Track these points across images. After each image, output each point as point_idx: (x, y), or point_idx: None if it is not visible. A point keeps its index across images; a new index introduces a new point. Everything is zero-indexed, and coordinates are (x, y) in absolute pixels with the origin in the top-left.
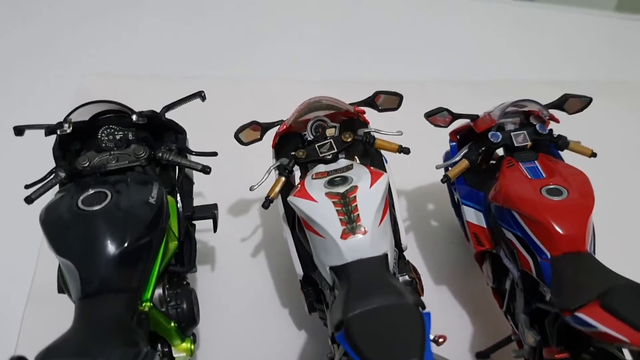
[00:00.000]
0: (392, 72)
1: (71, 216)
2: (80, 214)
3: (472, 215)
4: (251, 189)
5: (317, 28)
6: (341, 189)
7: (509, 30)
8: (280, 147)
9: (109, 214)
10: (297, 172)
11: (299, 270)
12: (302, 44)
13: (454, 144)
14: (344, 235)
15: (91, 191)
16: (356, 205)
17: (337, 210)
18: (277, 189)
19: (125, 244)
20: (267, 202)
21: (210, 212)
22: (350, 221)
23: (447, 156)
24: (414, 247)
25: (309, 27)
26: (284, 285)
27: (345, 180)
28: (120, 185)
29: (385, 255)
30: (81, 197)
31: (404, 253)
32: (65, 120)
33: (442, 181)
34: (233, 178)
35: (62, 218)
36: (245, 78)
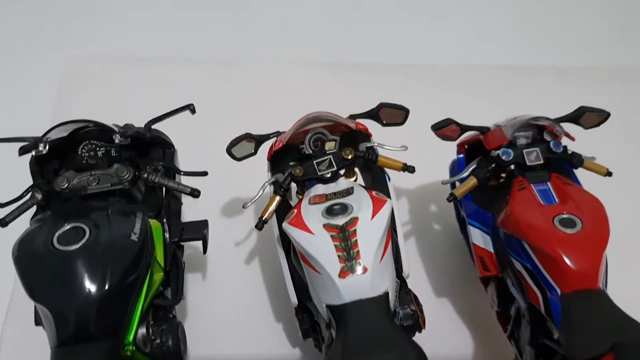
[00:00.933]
0: (393, 56)
1: (46, 256)
2: (56, 254)
3: (479, 238)
4: (244, 206)
5: (316, 8)
6: (340, 221)
7: (513, 12)
8: (276, 159)
9: (87, 254)
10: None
11: (294, 299)
12: (300, 25)
13: (462, 155)
14: (342, 274)
15: (67, 226)
16: (356, 240)
17: (335, 245)
18: (272, 208)
19: (105, 287)
20: (260, 224)
21: (199, 232)
22: (349, 258)
23: (454, 167)
24: (415, 253)
25: (307, 7)
26: (278, 303)
27: (345, 209)
28: (100, 218)
29: (386, 294)
30: (57, 234)
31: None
32: (41, 139)
33: (448, 200)
34: (226, 182)
35: (36, 258)
36: (240, 61)
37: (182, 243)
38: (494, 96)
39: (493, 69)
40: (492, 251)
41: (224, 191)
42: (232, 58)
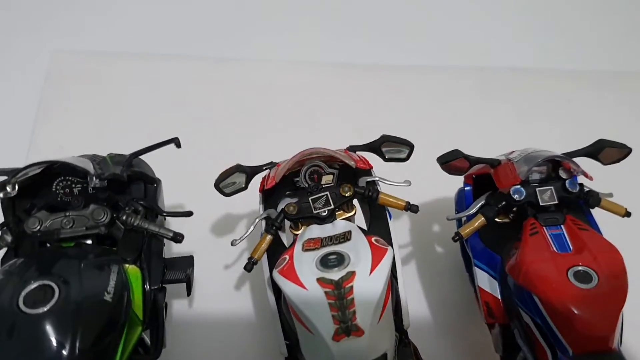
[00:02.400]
0: (394, 57)
1: (11, 321)
2: (22, 318)
3: (485, 282)
4: (232, 243)
5: (316, 6)
6: (336, 275)
7: (518, 13)
8: (269, 191)
9: (56, 316)
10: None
11: (284, 350)
12: (300, 23)
13: (469, 188)
14: (336, 337)
15: (34, 284)
16: (352, 299)
17: (329, 303)
18: (263, 248)
19: (77, 355)
20: (250, 265)
21: (183, 272)
22: (344, 319)
23: (460, 199)
24: (415, 278)
25: (307, 5)
26: (269, 352)
27: (341, 260)
28: (71, 272)
29: (384, 356)
30: (23, 294)
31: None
32: (9, 180)
33: (454, 240)
34: (214, 211)
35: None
36: (235, 58)
37: (163, 284)
38: (503, 100)
39: (502, 71)
40: (499, 297)
41: (210, 224)
42: (227, 55)
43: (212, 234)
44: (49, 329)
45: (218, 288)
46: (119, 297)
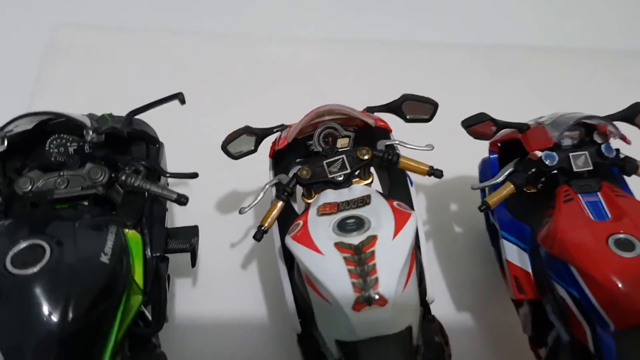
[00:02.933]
0: (405, 33)
1: None
2: (10, 279)
3: (514, 254)
4: (241, 211)
5: None
6: (355, 240)
7: None
8: (280, 156)
9: (47, 278)
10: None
11: (297, 326)
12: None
13: (495, 155)
14: (356, 306)
15: (24, 244)
16: (374, 264)
17: (349, 269)
18: (273, 216)
19: (69, 319)
20: (260, 234)
21: (187, 241)
22: (365, 287)
23: (485, 168)
24: (433, 259)
25: None
26: (280, 328)
27: (361, 224)
28: (64, 233)
29: (409, 329)
30: (11, 254)
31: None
32: None
33: (480, 209)
34: (220, 182)
35: None
36: (242, 34)
37: (166, 255)
38: (520, 78)
39: (519, 49)
40: (530, 271)
41: (217, 193)
42: (233, 31)
43: (218, 202)
44: (38, 292)
45: (224, 260)
46: (117, 260)
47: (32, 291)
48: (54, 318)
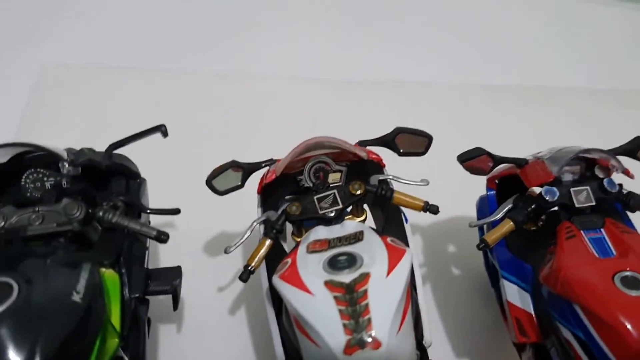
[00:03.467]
0: (399, 72)
1: None
2: None
3: (515, 295)
4: (226, 251)
5: (317, 20)
6: (347, 278)
7: (538, 25)
8: (268, 192)
9: (13, 319)
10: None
11: None
12: (301, 37)
13: (493, 192)
14: (348, 350)
15: None
16: (367, 304)
17: (340, 310)
18: (261, 255)
19: None
20: (246, 274)
21: (169, 283)
22: (357, 329)
23: (482, 206)
24: (431, 304)
25: (308, 18)
26: None
27: (352, 261)
28: (34, 270)
29: None
30: None
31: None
32: None
33: (479, 248)
34: (205, 220)
35: None
36: (231, 73)
37: (147, 297)
38: (517, 116)
39: (519, 88)
40: (532, 312)
41: (202, 231)
42: (225, 70)
43: (202, 242)
44: (4, 332)
45: (209, 303)
46: (90, 299)
47: None
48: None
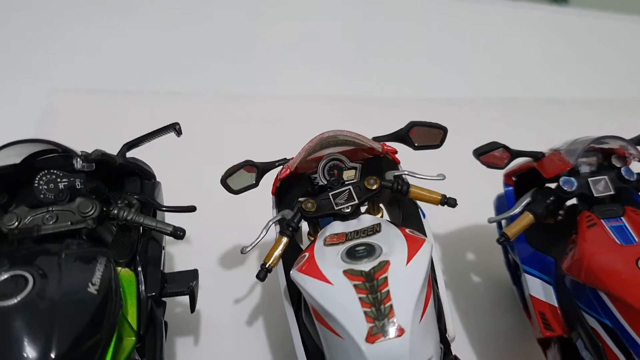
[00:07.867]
0: (408, 89)
1: None
2: None
3: (538, 289)
4: (242, 251)
5: (325, 38)
6: (366, 266)
7: (542, 39)
8: (283, 193)
9: (28, 311)
10: (304, 225)
11: None
12: (308, 56)
13: (510, 188)
14: (370, 338)
15: (5, 275)
16: (388, 291)
17: (360, 298)
18: (277, 253)
19: (52, 356)
20: (263, 273)
21: (186, 284)
22: (379, 316)
23: (500, 203)
24: (452, 311)
25: (315, 38)
26: None
27: (371, 250)
28: (49, 264)
29: None
30: None
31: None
32: None
33: (499, 241)
34: (221, 221)
35: None
36: (242, 95)
37: (163, 298)
38: (527, 129)
39: (530, 101)
40: (556, 305)
41: (218, 232)
42: (233, 91)
43: (218, 244)
44: (18, 324)
45: (226, 304)
46: (106, 291)
47: (10, 324)
48: (34, 352)
